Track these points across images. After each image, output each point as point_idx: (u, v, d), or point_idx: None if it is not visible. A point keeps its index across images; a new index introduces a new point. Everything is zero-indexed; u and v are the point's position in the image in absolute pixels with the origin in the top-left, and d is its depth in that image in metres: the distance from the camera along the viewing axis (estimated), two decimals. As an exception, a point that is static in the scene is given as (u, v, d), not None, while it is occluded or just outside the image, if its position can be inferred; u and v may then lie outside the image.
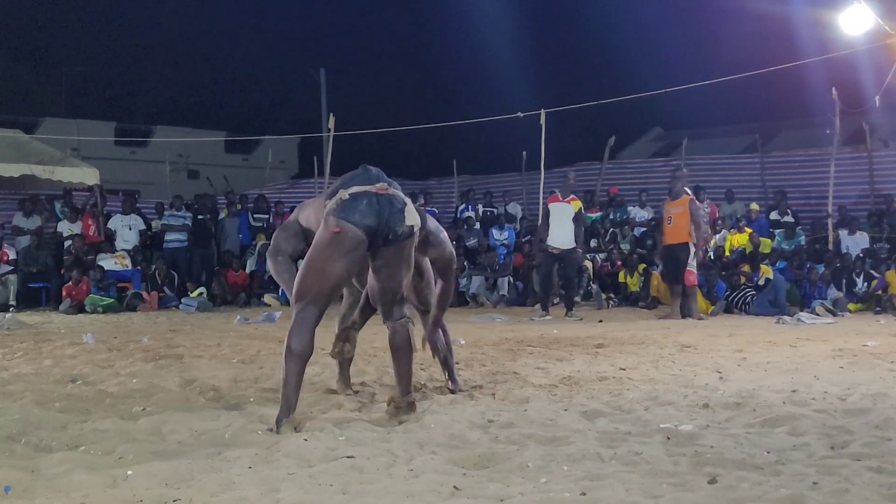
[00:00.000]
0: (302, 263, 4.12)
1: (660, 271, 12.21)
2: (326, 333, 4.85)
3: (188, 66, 35.08)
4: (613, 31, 29.04)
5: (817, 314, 10.64)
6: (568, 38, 35.29)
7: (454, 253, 5.02)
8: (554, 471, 3.26)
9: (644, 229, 15.22)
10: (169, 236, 14.59)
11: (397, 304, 4.28)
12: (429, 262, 4.93)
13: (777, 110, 23.73)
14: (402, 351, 4.30)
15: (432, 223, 4.90)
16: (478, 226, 16.08)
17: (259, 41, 37.09)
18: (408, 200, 4.15)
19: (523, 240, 15.10)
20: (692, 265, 10.82)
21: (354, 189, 4.05)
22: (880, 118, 15.66)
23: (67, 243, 13.88)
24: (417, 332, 4.57)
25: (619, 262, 14.03)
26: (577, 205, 11.29)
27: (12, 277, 13.19)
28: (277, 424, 3.91)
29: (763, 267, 12.02)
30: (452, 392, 4.98)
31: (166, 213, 14.92)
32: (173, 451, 3.60)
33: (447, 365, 5.14)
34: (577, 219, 11.21)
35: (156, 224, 15.03)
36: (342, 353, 4.40)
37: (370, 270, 4.24)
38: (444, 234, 4.97)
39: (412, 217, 4.09)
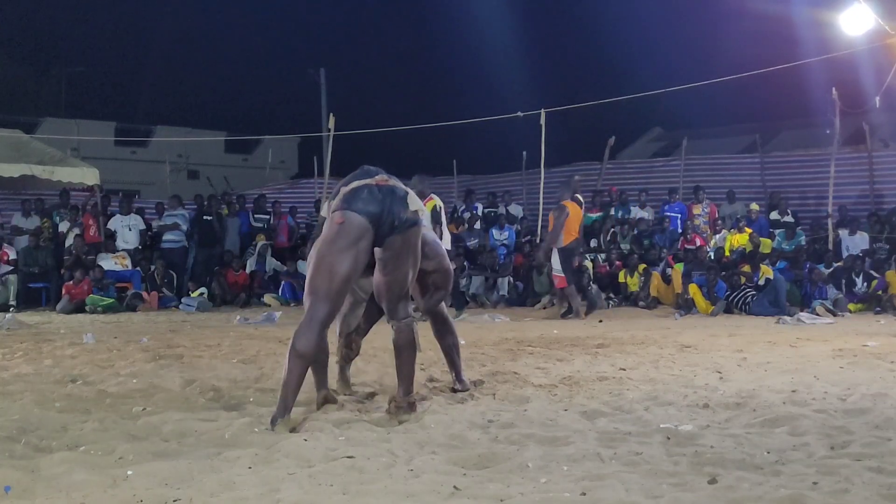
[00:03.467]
0: (312, 261, 4.13)
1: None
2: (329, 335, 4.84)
3: (188, 66, 35.13)
4: (613, 31, 29.07)
5: (817, 314, 10.63)
6: (568, 38, 35.33)
7: (450, 269, 5.02)
8: (554, 471, 3.26)
9: (643, 229, 15.23)
10: (165, 236, 14.58)
11: (402, 302, 4.27)
12: (441, 261, 4.91)
13: (777, 110, 23.75)
14: (405, 351, 4.30)
15: (430, 234, 4.91)
16: (478, 225, 16.06)
17: (259, 41, 37.15)
18: (409, 190, 4.18)
19: (523, 240, 15.10)
20: (556, 268, 11.30)
21: (355, 184, 4.12)
22: (880, 118, 15.65)
23: (68, 243, 13.88)
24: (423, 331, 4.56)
25: (617, 263, 14.02)
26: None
27: (12, 277, 13.19)
28: (272, 424, 3.91)
29: (763, 267, 12.02)
30: (457, 392, 4.98)
31: (166, 212, 14.92)
32: (173, 451, 3.60)
33: (454, 365, 5.14)
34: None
35: (156, 224, 15.03)
36: (345, 357, 4.40)
37: (376, 267, 4.23)
38: (442, 248, 4.99)
39: (415, 202, 4.12)
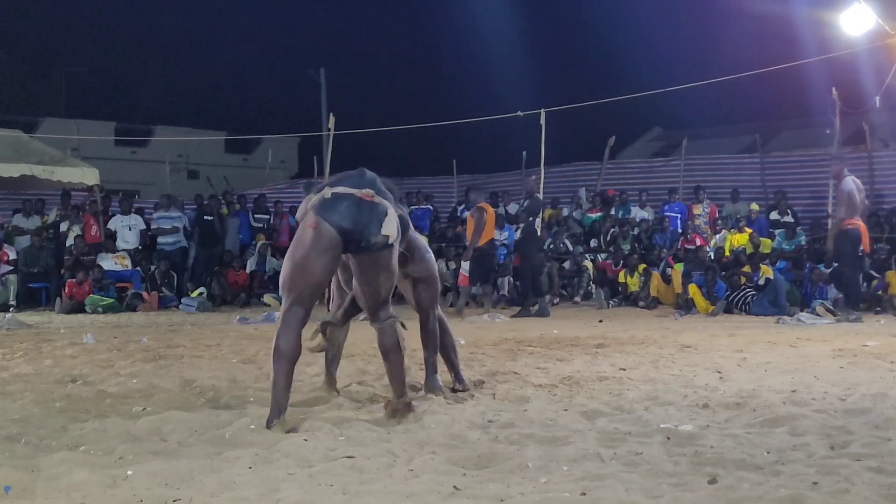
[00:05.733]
0: (285, 258, 4.15)
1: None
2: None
3: (188, 66, 35.17)
4: (613, 31, 29.08)
5: (817, 314, 10.62)
6: (568, 38, 35.35)
7: (438, 280, 5.00)
8: (554, 471, 3.26)
9: (644, 229, 15.23)
10: (161, 239, 14.54)
11: (382, 307, 4.27)
12: (428, 267, 4.90)
13: (777, 110, 23.74)
14: (391, 352, 4.29)
15: (420, 241, 4.89)
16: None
17: (259, 41, 37.20)
18: (391, 212, 4.11)
19: (524, 240, 15.07)
20: (463, 267, 11.99)
21: (340, 189, 4.09)
22: (880, 118, 15.64)
23: (68, 243, 13.88)
24: (410, 332, 4.55)
25: (620, 264, 14.01)
26: None
27: (12, 277, 13.19)
28: (268, 425, 3.92)
29: (763, 267, 12.02)
30: (457, 391, 4.99)
31: (155, 215, 14.79)
32: (173, 451, 3.60)
33: (452, 365, 5.14)
34: None
35: (152, 225, 15.00)
36: (319, 346, 4.40)
37: (353, 274, 4.26)
38: (431, 256, 4.97)
39: (389, 228, 4.05)
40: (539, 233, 12.32)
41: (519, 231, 11.97)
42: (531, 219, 11.79)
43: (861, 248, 10.65)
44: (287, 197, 18.03)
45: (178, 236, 14.51)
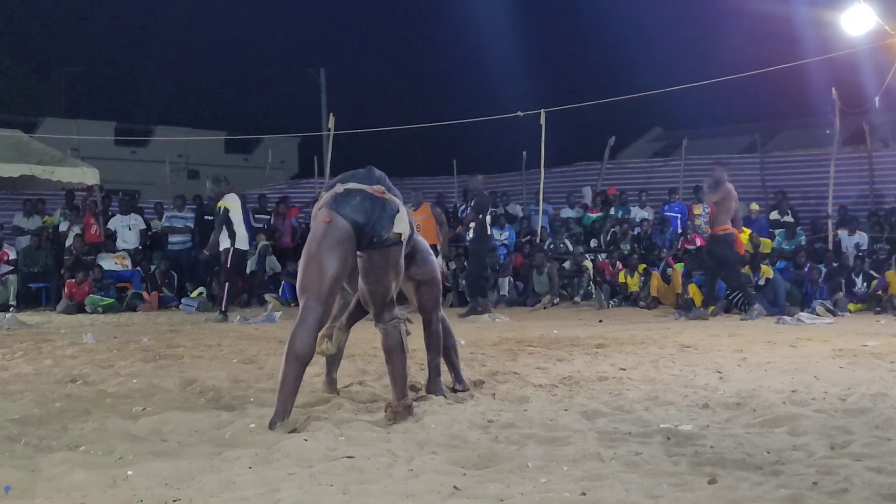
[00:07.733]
0: (301, 258, 4.14)
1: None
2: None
3: (188, 66, 35.21)
4: (613, 31, 29.11)
5: (817, 314, 10.63)
6: (568, 38, 35.37)
7: (439, 281, 5.00)
8: (554, 471, 3.26)
9: (644, 229, 15.23)
10: (172, 238, 14.54)
11: (387, 308, 4.26)
12: (431, 269, 4.90)
13: (777, 110, 23.77)
14: (394, 353, 4.28)
15: (423, 244, 4.90)
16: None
17: (259, 41, 37.24)
18: (402, 209, 4.14)
19: (523, 240, 15.08)
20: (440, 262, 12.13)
21: (351, 185, 4.10)
22: (880, 118, 15.64)
23: (68, 243, 13.88)
24: (415, 334, 4.55)
25: (620, 264, 14.01)
26: (220, 204, 11.32)
27: (12, 277, 13.19)
28: (271, 426, 3.91)
29: (763, 267, 12.01)
30: (457, 392, 4.99)
31: (167, 213, 14.84)
32: (173, 451, 3.60)
33: (453, 365, 5.14)
34: (217, 220, 11.45)
35: (155, 224, 15.00)
36: (325, 350, 4.39)
37: (360, 274, 4.25)
38: (434, 258, 4.99)
39: (401, 225, 4.07)
40: (489, 231, 12.30)
41: (471, 231, 11.88)
42: (480, 216, 11.75)
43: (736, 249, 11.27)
44: (287, 197, 18.04)
45: (188, 236, 14.54)
